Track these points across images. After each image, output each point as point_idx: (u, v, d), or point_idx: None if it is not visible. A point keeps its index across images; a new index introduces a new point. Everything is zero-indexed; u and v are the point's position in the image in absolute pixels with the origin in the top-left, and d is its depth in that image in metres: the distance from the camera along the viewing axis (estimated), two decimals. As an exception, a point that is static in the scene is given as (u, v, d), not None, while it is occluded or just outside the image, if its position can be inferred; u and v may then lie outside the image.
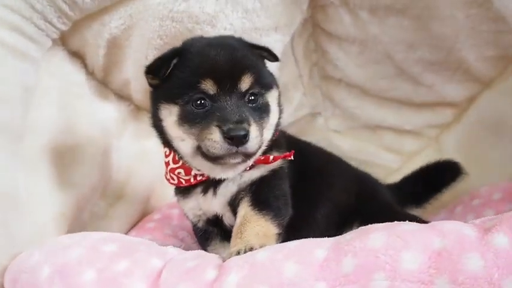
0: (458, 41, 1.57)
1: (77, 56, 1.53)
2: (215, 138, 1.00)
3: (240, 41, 1.18)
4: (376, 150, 1.94)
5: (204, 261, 1.00)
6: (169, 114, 1.09)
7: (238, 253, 0.99)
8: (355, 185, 1.37)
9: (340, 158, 1.46)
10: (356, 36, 1.69)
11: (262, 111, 1.11)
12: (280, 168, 1.18)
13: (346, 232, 1.25)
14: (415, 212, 1.55)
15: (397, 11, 1.54)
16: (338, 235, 1.24)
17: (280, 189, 1.16)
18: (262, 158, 1.14)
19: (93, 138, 1.49)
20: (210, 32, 1.45)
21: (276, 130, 1.18)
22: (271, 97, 1.14)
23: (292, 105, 1.85)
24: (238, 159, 1.05)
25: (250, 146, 1.02)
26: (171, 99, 1.08)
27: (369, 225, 0.97)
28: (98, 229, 1.49)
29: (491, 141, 1.72)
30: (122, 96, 1.69)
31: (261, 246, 0.99)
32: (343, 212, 1.30)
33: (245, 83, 1.07)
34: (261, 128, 1.08)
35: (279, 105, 1.19)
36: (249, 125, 1.01)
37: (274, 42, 1.56)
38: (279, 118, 1.19)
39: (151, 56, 1.48)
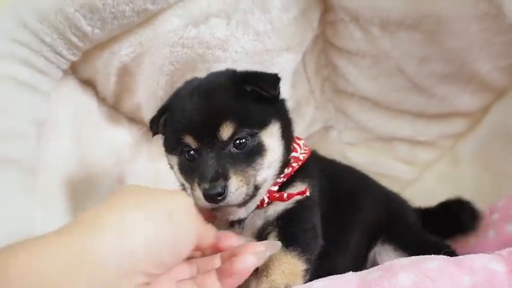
0: (471, 54, 1.55)
1: (88, 83, 1.52)
2: (198, 195, 1.00)
3: (230, 79, 1.13)
4: (390, 162, 1.92)
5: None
6: (174, 163, 1.14)
7: None
8: (385, 205, 1.36)
9: (368, 176, 1.44)
10: (367, 51, 1.67)
11: (254, 153, 1.06)
12: (307, 198, 1.14)
13: (372, 250, 1.27)
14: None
15: (408, 26, 1.52)
16: (367, 254, 1.27)
17: (308, 222, 1.13)
18: (277, 195, 1.11)
19: (107, 167, 1.48)
20: (221, 56, 1.44)
21: (287, 162, 1.15)
22: (267, 134, 1.09)
23: (304, 121, 1.84)
24: (234, 207, 1.04)
25: (232, 199, 0.99)
26: (170, 151, 1.13)
27: (394, 260, 0.96)
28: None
29: (507, 150, 1.70)
30: (134, 119, 1.68)
31: (285, 287, 0.98)
32: (373, 232, 1.29)
33: (226, 132, 1.03)
34: (251, 175, 1.04)
35: (283, 137, 1.13)
36: (226, 179, 0.99)
37: (286, 62, 1.55)
38: (288, 148, 1.15)
39: (162, 81, 1.47)
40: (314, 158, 1.27)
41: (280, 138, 1.12)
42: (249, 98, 1.10)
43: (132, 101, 1.57)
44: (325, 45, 1.77)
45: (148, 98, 1.53)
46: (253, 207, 1.11)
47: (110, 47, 1.40)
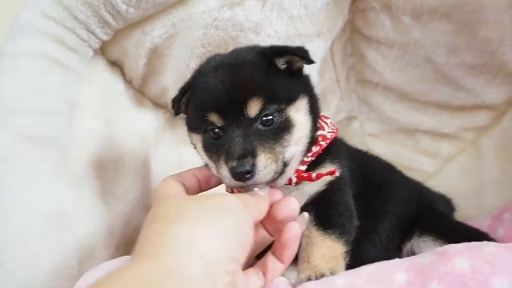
0: (502, 45, 1.54)
1: (116, 65, 1.49)
2: (224, 174, 0.98)
3: (256, 54, 1.08)
4: (412, 154, 1.90)
5: (272, 285, 0.98)
6: (197, 142, 1.10)
7: (309, 279, 0.96)
8: (415, 196, 1.34)
9: (395, 167, 1.42)
10: (396, 40, 1.65)
11: (281, 130, 1.02)
12: (339, 178, 1.12)
13: (408, 242, 1.26)
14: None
15: (441, 15, 1.50)
16: (400, 247, 1.25)
17: (343, 203, 1.12)
18: (306, 175, 1.07)
19: (134, 149, 1.46)
20: (254, 39, 1.42)
21: (314, 139, 1.11)
22: (295, 109, 1.05)
23: (330, 111, 1.82)
24: (262, 185, 1.01)
25: (260, 177, 0.96)
26: (194, 129, 1.09)
27: (445, 246, 0.95)
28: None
29: (530, 144, 1.70)
30: (158, 104, 1.65)
31: (331, 272, 0.96)
32: (405, 223, 1.26)
33: (253, 109, 0.99)
34: (279, 152, 1.01)
35: (311, 113, 1.09)
36: (255, 156, 0.95)
37: (317, 48, 1.53)
38: (315, 125, 1.11)
39: (192, 64, 1.45)
40: (341, 145, 1.24)
41: (308, 114, 1.08)
42: (276, 72, 1.06)
43: (159, 84, 1.54)
44: (352, 34, 1.76)
45: (176, 81, 1.50)
46: (282, 184, 1.07)
47: (142, 27, 1.37)
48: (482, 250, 0.88)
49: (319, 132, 1.12)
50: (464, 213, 1.57)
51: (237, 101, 0.99)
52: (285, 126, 1.02)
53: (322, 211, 1.09)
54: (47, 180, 1.16)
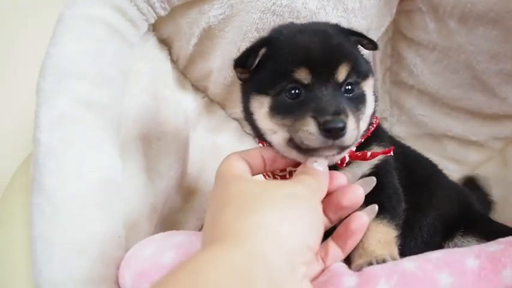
0: (544, 56, 1.57)
1: (165, 43, 1.48)
2: (311, 130, 0.92)
3: (335, 27, 1.10)
4: (438, 159, 1.89)
5: (333, 270, 0.97)
6: (261, 106, 1.02)
7: (370, 264, 0.94)
8: (457, 195, 1.34)
9: (438, 165, 1.43)
10: (438, 43, 1.67)
11: (359, 101, 1.02)
12: (386, 162, 1.11)
13: (450, 242, 1.26)
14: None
15: (488, 20, 1.53)
16: (443, 245, 1.25)
17: (391, 186, 1.11)
18: (359, 154, 1.06)
19: (177, 129, 1.45)
20: (307, 29, 1.42)
21: (372, 121, 1.11)
22: (367, 86, 1.06)
23: (366, 110, 1.83)
24: (334, 152, 0.97)
25: (347, 138, 0.93)
26: (262, 90, 1.02)
27: (510, 237, 0.95)
28: (176, 224, 1.46)
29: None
30: (198, 88, 1.65)
31: (391, 257, 0.96)
32: (447, 222, 1.26)
33: (342, 72, 0.98)
34: (358, 120, 1.00)
35: (375, 93, 1.11)
36: (347, 116, 0.93)
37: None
38: (375, 107, 1.11)
39: (243, 48, 1.44)
40: (384, 130, 1.25)
41: (373, 93, 1.09)
42: (356, 48, 1.07)
43: (204, 66, 1.54)
44: (394, 34, 1.77)
45: (223, 64, 1.50)
46: (336, 161, 1.05)
47: (199, 6, 1.37)
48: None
49: None
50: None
51: (330, 61, 0.98)
52: (361, 100, 1.02)
53: (371, 196, 1.05)
54: (100, 147, 1.15)
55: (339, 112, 0.92)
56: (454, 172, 1.93)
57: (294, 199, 0.85)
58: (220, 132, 1.71)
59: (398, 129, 1.96)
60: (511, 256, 0.86)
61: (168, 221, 1.43)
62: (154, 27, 1.42)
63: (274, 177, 1.13)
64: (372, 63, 1.63)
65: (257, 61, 1.02)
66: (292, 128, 0.96)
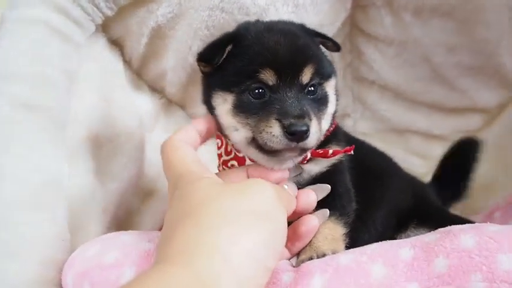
0: (500, 46, 1.57)
1: (116, 44, 1.47)
2: (274, 132, 0.94)
3: (302, 27, 1.12)
4: (403, 154, 1.91)
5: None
6: (223, 103, 1.02)
7: (311, 259, 0.94)
8: (411, 187, 1.34)
9: (393, 159, 1.42)
10: (395, 37, 1.67)
11: (321, 102, 1.04)
12: (340, 162, 1.13)
13: (403, 234, 1.26)
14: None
15: (443, 13, 1.53)
16: (395, 237, 1.25)
17: (343, 186, 1.12)
18: (321, 151, 1.06)
19: (131, 130, 1.43)
20: (258, 25, 1.41)
21: (333, 120, 1.13)
22: (330, 86, 1.08)
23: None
24: (296, 153, 0.99)
25: (310, 141, 0.95)
26: (226, 87, 1.01)
27: (449, 226, 0.94)
28: (132, 226, 1.44)
29: (521, 148, 1.72)
30: (155, 88, 1.63)
31: (333, 252, 0.96)
32: (400, 214, 1.27)
33: (307, 74, 1.00)
34: (320, 121, 1.02)
35: (336, 93, 1.13)
36: (310, 119, 0.95)
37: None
38: (336, 106, 1.13)
39: (195, 47, 1.43)
40: (341, 129, 1.25)
41: (335, 93, 1.11)
42: (320, 49, 1.10)
43: (158, 67, 1.53)
44: (351, 30, 1.77)
45: (177, 64, 1.49)
46: (296, 163, 1.05)
47: (147, 4, 1.36)
48: (487, 228, 0.88)
49: None
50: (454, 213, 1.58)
51: (296, 63, 0.99)
52: (324, 100, 1.05)
53: None
54: (41, 149, 1.12)
55: (302, 115, 0.94)
56: (419, 167, 1.93)
57: (258, 216, 0.80)
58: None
59: (363, 125, 1.96)
60: (444, 245, 0.86)
61: (124, 222, 1.41)
62: (104, 28, 1.41)
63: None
64: (333, 62, 1.63)
65: (220, 59, 1.02)
66: (256, 128, 0.97)
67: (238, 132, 1.01)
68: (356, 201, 1.14)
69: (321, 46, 1.14)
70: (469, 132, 1.86)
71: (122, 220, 1.41)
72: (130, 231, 1.14)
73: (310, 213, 1.03)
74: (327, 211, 1.03)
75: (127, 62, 1.52)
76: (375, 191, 1.26)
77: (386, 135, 1.94)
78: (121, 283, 0.89)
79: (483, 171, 1.79)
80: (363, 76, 1.84)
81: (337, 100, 1.13)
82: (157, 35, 1.43)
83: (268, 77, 0.98)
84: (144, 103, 1.57)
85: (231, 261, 0.71)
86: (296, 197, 1.00)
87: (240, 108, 0.99)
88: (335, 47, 1.14)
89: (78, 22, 1.27)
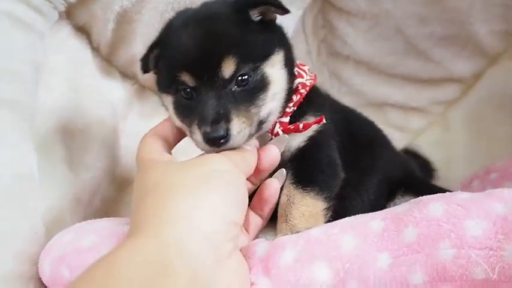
0: (471, 15, 1.57)
1: (82, 31, 1.43)
2: (198, 139, 0.94)
3: (228, 6, 1.02)
4: (382, 128, 1.91)
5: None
6: (168, 104, 1.04)
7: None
8: (399, 157, 1.35)
9: (382, 130, 1.43)
10: (367, 11, 1.66)
11: (257, 89, 0.98)
12: (320, 133, 1.09)
13: (391, 202, 1.26)
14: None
15: (412, -17, 1.52)
16: (387, 206, 1.25)
17: (324, 159, 1.09)
18: (292, 127, 1.04)
19: (102, 119, 1.42)
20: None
21: (295, 92, 1.08)
22: (270, 65, 1.00)
23: (301, 84, 1.81)
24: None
25: (234, 142, 0.93)
26: (165, 89, 1.04)
27: (421, 197, 0.95)
28: (110, 215, 1.43)
29: (498, 117, 1.73)
30: (126, 74, 1.61)
31: (307, 229, 0.94)
32: (391, 183, 1.26)
33: (228, 69, 0.94)
34: (256, 111, 0.97)
35: (287, 65, 1.04)
36: (229, 121, 0.91)
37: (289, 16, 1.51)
38: (292, 77, 1.07)
39: (163, 30, 1.41)
40: (326, 99, 1.24)
41: (283, 67, 1.04)
42: (251, 26, 1.00)
43: (128, 52, 1.50)
44: (323, 4, 1.75)
45: (145, 47, 1.46)
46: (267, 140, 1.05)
47: (110, -11, 1.33)
48: (456, 197, 0.88)
49: (298, 81, 1.10)
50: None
51: (210, 60, 0.94)
52: (261, 85, 0.98)
53: (302, 169, 1.06)
54: (8, 142, 1.10)
55: (218, 120, 0.91)
56: (399, 140, 1.93)
57: (209, 178, 0.84)
58: (155, 117, 1.67)
59: (342, 101, 1.94)
60: (414, 214, 0.86)
61: (101, 212, 1.40)
62: (68, 15, 1.37)
63: None
64: (289, 35, 1.60)
65: (152, 65, 1.06)
66: (189, 131, 0.98)
67: (186, 132, 1.01)
68: (349, 169, 1.12)
69: (261, 17, 1.02)
70: (447, 103, 1.87)
71: (99, 209, 1.39)
72: (105, 218, 1.13)
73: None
74: (283, 170, 1.04)
75: (95, 49, 1.49)
76: (367, 159, 1.26)
77: (364, 109, 1.90)
78: None
79: (463, 141, 1.81)
80: (338, 51, 1.83)
81: (290, 74, 1.06)
82: (124, 20, 1.40)
83: (187, 79, 0.96)
84: (116, 90, 1.55)
85: (191, 220, 0.76)
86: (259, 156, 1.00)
87: (179, 109, 1.01)
88: (280, 9, 1.01)
89: (40, 10, 1.24)
